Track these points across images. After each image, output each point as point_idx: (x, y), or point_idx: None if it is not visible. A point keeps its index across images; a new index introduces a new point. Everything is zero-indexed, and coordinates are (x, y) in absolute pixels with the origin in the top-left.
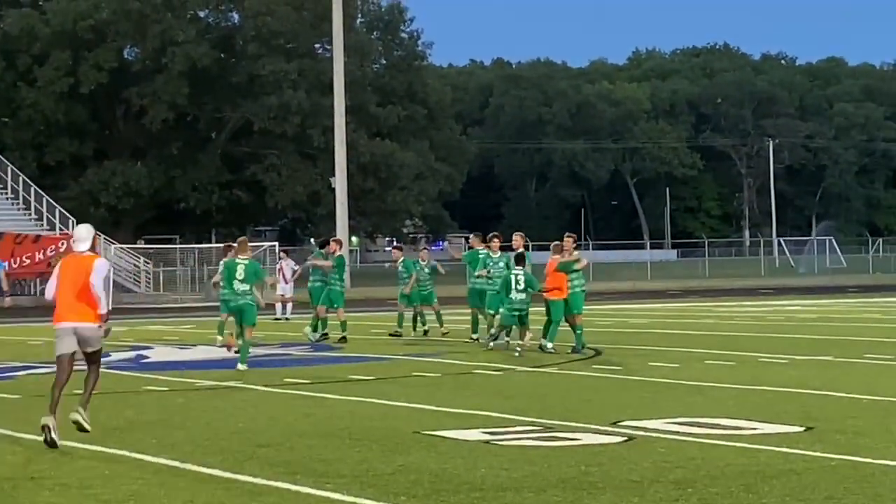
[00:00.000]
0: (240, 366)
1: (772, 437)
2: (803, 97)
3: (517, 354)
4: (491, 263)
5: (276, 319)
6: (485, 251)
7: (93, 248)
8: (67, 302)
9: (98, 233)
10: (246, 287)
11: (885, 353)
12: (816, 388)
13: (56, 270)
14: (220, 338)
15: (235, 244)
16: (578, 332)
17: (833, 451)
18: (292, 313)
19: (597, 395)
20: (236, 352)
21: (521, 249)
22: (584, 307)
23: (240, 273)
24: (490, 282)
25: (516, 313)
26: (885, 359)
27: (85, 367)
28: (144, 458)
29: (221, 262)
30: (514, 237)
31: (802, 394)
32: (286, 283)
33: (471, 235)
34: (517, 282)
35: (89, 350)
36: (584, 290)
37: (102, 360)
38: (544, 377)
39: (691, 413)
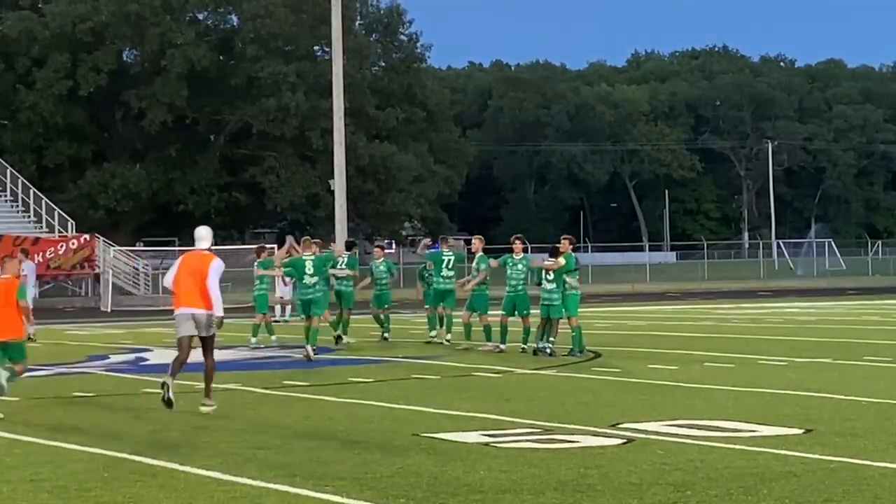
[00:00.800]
0: (309, 348)
1: (771, 440)
2: (802, 99)
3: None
4: (511, 264)
5: (276, 321)
6: (450, 252)
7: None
8: (186, 290)
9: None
10: (315, 280)
11: (884, 356)
12: (815, 390)
13: (177, 261)
14: (253, 339)
15: (268, 246)
16: (574, 334)
17: (832, 453)
18: (291, 315)
19: (596, 398)
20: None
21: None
22: (578, 310)
23: (309, 268)
24: (449, 282)
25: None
26: (884, 361)
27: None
28: (143, 460)
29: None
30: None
31: (801, 396)
32: (285, 285)
33: (473, 238)
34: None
35: (203, 334)
36: (576, 294)
37: (101, 362)
38: (543, 379)
39: (690, 415)
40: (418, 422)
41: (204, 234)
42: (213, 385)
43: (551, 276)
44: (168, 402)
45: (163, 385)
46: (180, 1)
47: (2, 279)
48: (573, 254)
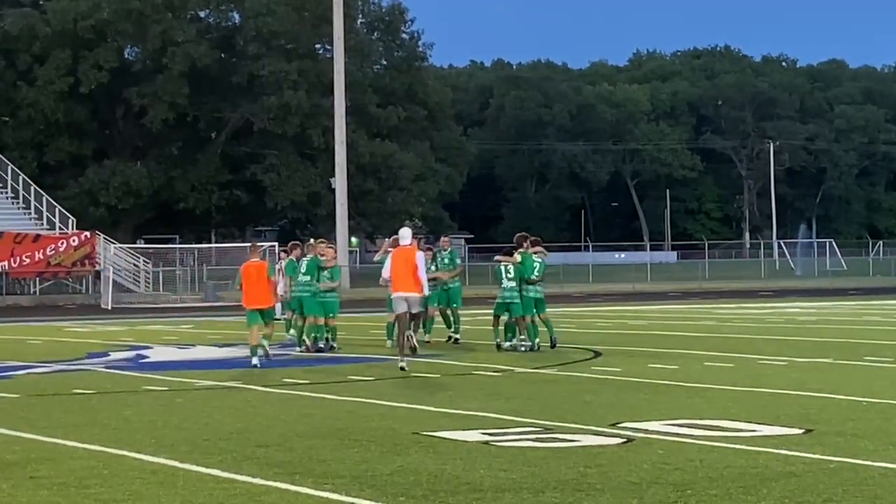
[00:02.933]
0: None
1: (771, 440)
2: (804, 99)
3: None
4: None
5: (276, 320)
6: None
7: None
8: (401, 278)
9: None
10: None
11: (885, 356)
12: (816, 390)
13: (390, 257)
14: (307, 340)
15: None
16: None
17: (832, 453)
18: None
19: (596, 397)
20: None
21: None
22: (534, 310)
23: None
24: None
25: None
26: (884, 361)
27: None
28: (143, 457)
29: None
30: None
31: (802, 396)
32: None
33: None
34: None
35: (413, 311)
36: (535, 296)
37: (101, 359)
38: (544, 378)
39: (690, 415)
40: (418, 420)
41: (406, 234)
42: (213, 382)
43: (512, 275)
44: (413, 349)
45: (401, 367)
46: None
47: (256, 262)
48: (538, 258)
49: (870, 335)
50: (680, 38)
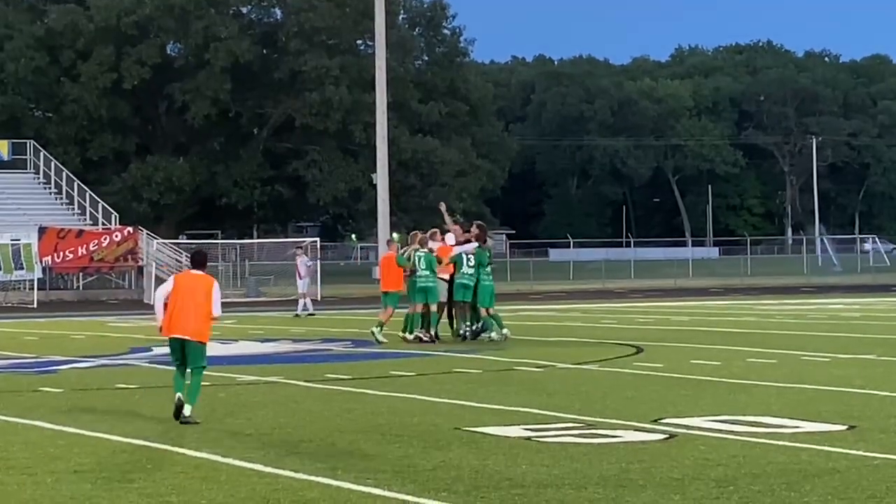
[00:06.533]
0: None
1: (814, 436)
2: (847, 94)
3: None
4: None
5: (297, 315)
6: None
7: None
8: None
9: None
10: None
11: None
12: (859, 386)
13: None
14: (420, 334)
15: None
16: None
17: (876, 450)
18: (302, 310)
19: (638, 393)
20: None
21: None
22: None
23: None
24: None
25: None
26: None
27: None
28: (186, 452)
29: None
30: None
31: (845, 392)
32: (300, 278)
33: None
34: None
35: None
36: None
37: (144, 354)
38: (585, 374)
39: (733, 411)
40: (460, 416)
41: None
42: (256, 377)
43: (472, 262)
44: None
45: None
46: None
47: (388, 254)
48: (484, 245)
49: None
50: (722, 33)
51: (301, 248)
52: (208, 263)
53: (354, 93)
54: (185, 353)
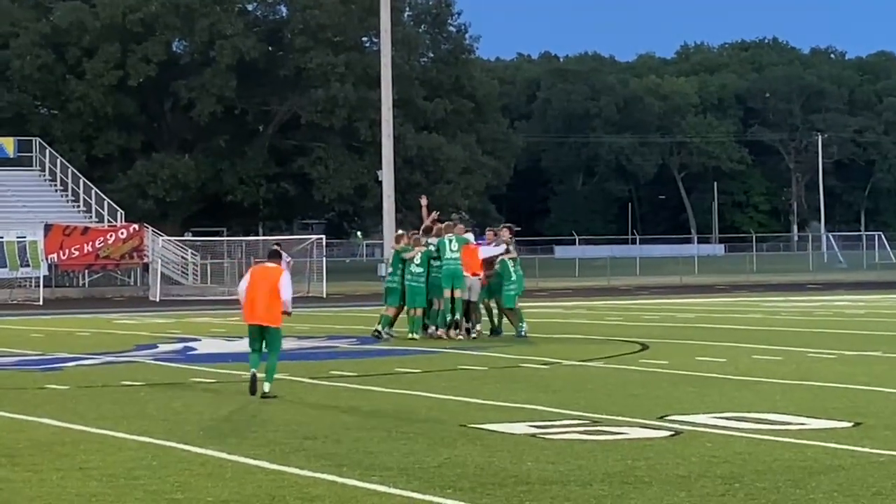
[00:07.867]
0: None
1: (819, 433)
2: (853, 91)
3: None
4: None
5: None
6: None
7: None
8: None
9: (146, 225)
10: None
11: None
12: (864, 383)
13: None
14: (435, 329)
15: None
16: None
17: (881, 446)
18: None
19: (644, 390)
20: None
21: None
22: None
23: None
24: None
25: None
26: None
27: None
28: (191, 449)
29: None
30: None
31: (850, 389)
32: None
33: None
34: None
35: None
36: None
37: (149, 351)
38: (591, 371)
39: (738, 408)
40: (465, 413)
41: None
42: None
43: (418, 261)
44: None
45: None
46: None
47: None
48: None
49: None
50: (728, 30)
51: (279, 244)
52: (215, 259)
53: (360, 90)
54: (263, 338)
